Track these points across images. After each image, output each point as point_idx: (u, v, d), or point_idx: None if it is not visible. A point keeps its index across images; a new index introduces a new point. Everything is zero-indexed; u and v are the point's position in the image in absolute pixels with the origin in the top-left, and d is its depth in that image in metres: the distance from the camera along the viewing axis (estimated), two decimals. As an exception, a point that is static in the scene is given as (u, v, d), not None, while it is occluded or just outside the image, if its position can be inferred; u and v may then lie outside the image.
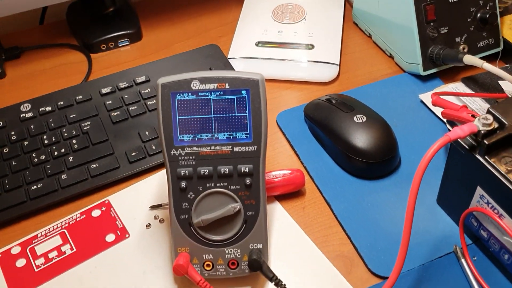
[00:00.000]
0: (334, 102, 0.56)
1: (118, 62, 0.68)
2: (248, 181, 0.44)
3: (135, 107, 0.59)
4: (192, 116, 0.43)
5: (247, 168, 0.44)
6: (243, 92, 0.43)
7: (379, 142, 0.52)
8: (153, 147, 0.55)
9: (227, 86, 0.43)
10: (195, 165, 0.44)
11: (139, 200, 0.52)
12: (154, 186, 0.53)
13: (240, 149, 0.44)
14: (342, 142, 0.53)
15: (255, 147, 0.44)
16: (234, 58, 0.66)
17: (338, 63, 0.65)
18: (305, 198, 0.52)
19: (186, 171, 0.44)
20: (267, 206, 0.48)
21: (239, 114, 0.43)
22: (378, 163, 0.52)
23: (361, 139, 0.52)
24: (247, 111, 0.43)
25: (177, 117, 0.43)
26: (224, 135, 0.44)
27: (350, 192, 0.52)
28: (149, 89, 0.61)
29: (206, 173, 0.44)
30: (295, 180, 0.51)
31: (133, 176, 0.54)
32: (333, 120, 0.54)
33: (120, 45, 0.70)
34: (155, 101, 0.60)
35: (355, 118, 0.53)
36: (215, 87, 0.43)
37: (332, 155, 0.55)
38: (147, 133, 0.57)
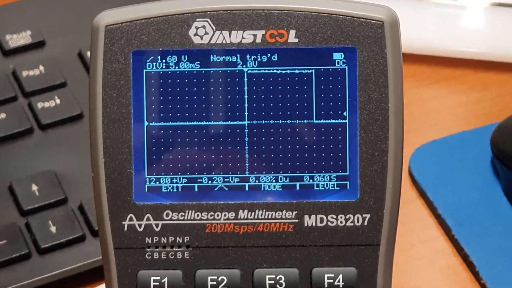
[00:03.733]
0: None
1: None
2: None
3: (2, 115, 0.63)
4: (186, 123, 0.46)
5: (339, 278, 0.46)
6: (338, 56, 0.46)
7: None
8: (53, 230, 0.58)
9: (291, 37, 0.46)
10: (189, 264, 0.46)
11: None
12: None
13: (324, 220, 0.46)
14: None
15: (367, 217, 0.46)
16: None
17: None
18: None
19: (165, 280, 0.46)
20: None
21: (321, 122, 0.46)
22: None
23: None
24: (346, 112, 0.46)
25: (145, 124, 0.46)
26: (278, 178, 0.46)
27: None
28: (42, 68, 0.65)
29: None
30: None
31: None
32: None
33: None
34: (59, 100, 0.63)
35: None
36: (259, 40, 0.46)
37: None
38: (35, 189, 0.60)
